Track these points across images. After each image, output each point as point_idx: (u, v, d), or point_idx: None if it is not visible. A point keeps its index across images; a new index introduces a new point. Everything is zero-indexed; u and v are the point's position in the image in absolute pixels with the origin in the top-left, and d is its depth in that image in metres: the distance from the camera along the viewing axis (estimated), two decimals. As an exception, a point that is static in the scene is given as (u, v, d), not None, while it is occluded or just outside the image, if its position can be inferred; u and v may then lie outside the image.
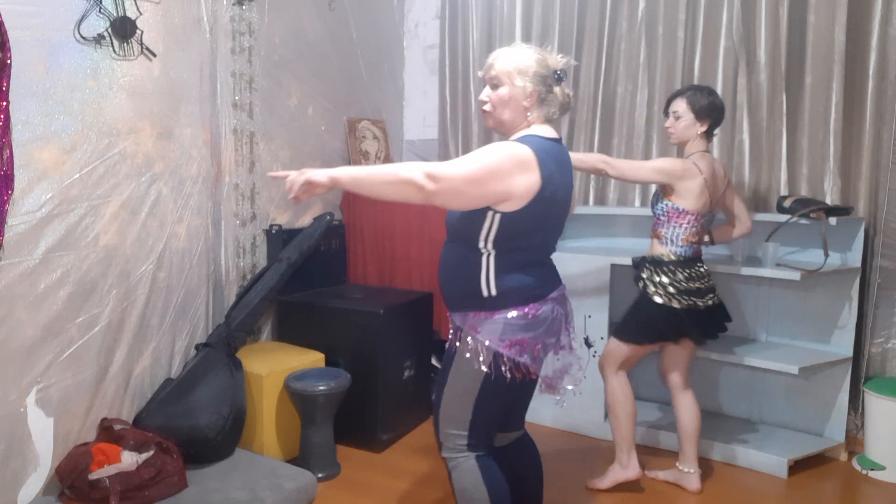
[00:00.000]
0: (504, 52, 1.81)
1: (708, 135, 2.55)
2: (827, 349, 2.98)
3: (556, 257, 1.93)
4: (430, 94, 4.10)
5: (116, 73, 2.41)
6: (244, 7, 2.96)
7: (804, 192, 3.06)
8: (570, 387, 2.02)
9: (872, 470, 2.82)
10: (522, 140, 1.75)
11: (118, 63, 2.41)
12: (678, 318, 2.50)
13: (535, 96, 1.78)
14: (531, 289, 1.80)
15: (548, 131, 1.81)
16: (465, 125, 3.96)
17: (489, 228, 1.73)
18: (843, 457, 2.95)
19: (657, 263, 2.54)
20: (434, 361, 3.45)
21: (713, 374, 3.24)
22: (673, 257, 2.52)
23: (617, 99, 3.48)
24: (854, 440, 3.00)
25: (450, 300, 1.89)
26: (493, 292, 1.77)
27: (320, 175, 1.65)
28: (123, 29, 2.39)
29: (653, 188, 3.41)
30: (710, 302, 2.55)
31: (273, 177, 1.81)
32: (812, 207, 2.74)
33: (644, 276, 2.56)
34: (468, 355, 1.79)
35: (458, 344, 1.83)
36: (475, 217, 1.73)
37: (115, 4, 2.36)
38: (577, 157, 2.45)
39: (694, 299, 2.50)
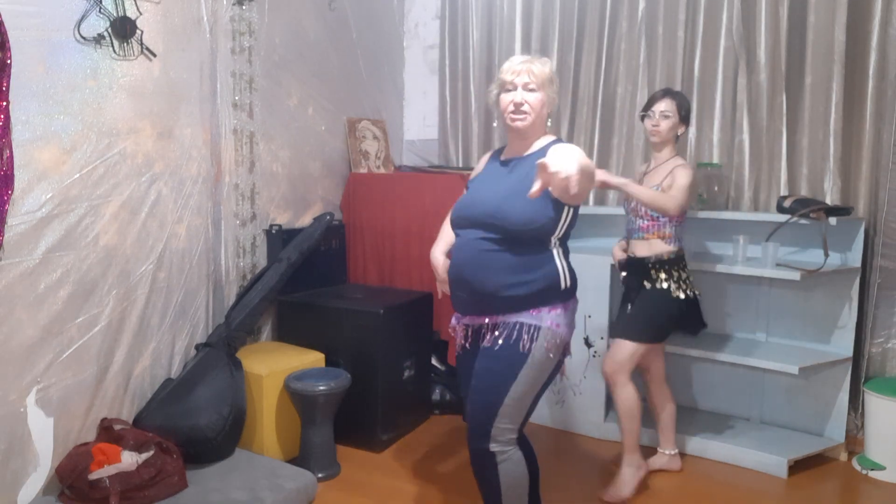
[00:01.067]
0: (535, 59, 1.90)
1: (678, 139, 2.67)
2: (827, 349, 2.98)
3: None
4: (430, 94, 4.10)
5: (116, 73, 2.40)
6: (244, 7, 2.96)
7: (804, 192, 3.06)
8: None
9: (872, 470, 2.82)
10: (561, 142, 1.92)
11: (118, 63, 2.41)
12: (695, 308, 2.64)
13: (552, 105, 1.93)
14: (575, 278, 1.95)
15: None
16: (465, 125, 3.96)
17: (564, 222, 1.87)
18: (843, 457, 2.95)
19: (671, 262, 2.59)
20: (434, 361, 3.45)
21: (713, 374, 3.24)
22: (682, 253, 2.63)
23: (617, 99, 3.48)
24: (854, 440, 3.00)
25: (514, 300, 1.86)
26: (569, 283, 1.89)
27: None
28: (123, 29, 2.39)
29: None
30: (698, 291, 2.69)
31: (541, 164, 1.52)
32: (812, 207, 2.74)
33: (662, 276, 2.58)
34: (546, 349, 1.84)
35: (526, 341, 1.84)
36: (558, 213, 1.84)
37: (115, 4, 2.36)
38: (640, 190, 2.45)
39: (695, 289, 2.65)
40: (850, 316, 2.91)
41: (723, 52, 3.19)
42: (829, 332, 2.99)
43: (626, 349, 2.59)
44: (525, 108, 1.86)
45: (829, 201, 2.97)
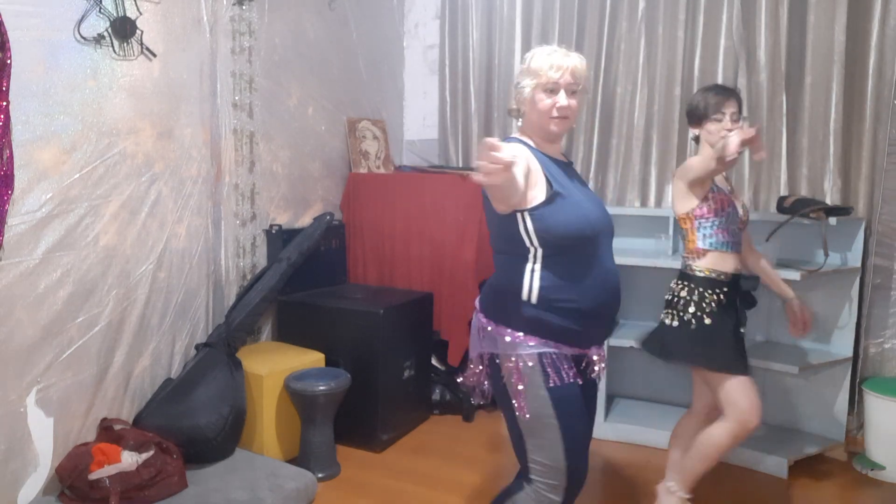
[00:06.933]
0: (573, 55, 1.65)
1: None
2: (827, 349, 2.98)
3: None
4: (430, 94, 4.10)
5: (116, 73, 2.40)
6: (244, 7, 2.96)
7: (804, 192, 3.06)
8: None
9: (872, 470, 2.82)
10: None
11: (118, 63, 2.41)
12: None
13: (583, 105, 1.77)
14: None
15: None
16: (465, 125, 3.96)
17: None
18: (843, 457, 2.95)
19: None
20: (434, 361, 3.45)
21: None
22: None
23: (616, 99, 3.48)
24: (854, 440, 3.00)
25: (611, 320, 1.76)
26: None
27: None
28: (123, 29, 2.39)
29: (653, 188, 3.41)
30: None
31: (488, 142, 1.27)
32: (812, 207, 2.74)
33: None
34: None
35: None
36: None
37: (115, 4, 2.36)
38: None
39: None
40: (849, 316, 2.91)
41: (723, 52, 3.19)
42: (829, 332, 2.99)
43: (730, 385, 2.14)
44: (567, 112, 1.64)
45: (829, 201, 2.97)
